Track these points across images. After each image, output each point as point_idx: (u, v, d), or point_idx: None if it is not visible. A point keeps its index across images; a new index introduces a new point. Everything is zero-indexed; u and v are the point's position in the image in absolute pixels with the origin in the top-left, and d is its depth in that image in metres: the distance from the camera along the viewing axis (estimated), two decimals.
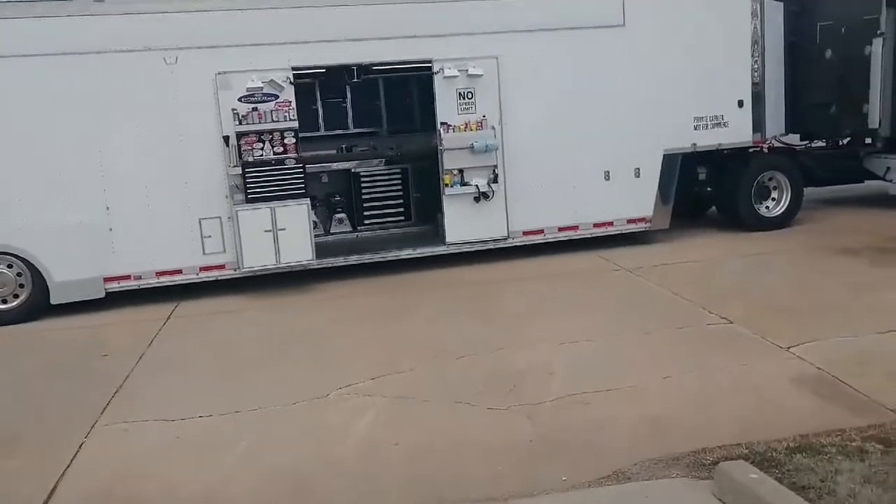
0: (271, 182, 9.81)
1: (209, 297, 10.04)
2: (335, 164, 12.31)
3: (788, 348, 6.80)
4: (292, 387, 6.66)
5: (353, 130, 12.90)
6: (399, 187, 12.45)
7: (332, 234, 12.29)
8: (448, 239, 10.82)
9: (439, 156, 10.62)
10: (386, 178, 12.40)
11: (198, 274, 10.04)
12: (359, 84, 12.69)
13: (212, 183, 9.87)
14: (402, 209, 12.45)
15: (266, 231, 9.80)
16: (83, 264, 9.60)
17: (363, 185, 12.33)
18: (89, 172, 9.53)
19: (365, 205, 12.34)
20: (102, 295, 9.73)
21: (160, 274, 9.92)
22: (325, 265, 10.49)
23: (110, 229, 9.69)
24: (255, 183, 9.74)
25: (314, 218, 12.02)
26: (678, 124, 11.42)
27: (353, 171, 12.30)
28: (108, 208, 9.66)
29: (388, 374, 6.80)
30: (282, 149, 9.97)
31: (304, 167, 9.99)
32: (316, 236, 11.82)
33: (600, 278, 9.87)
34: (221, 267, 10.05)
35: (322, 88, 12.65)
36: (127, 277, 9.83)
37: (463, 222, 10.78)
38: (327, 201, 12.42)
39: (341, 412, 6.10)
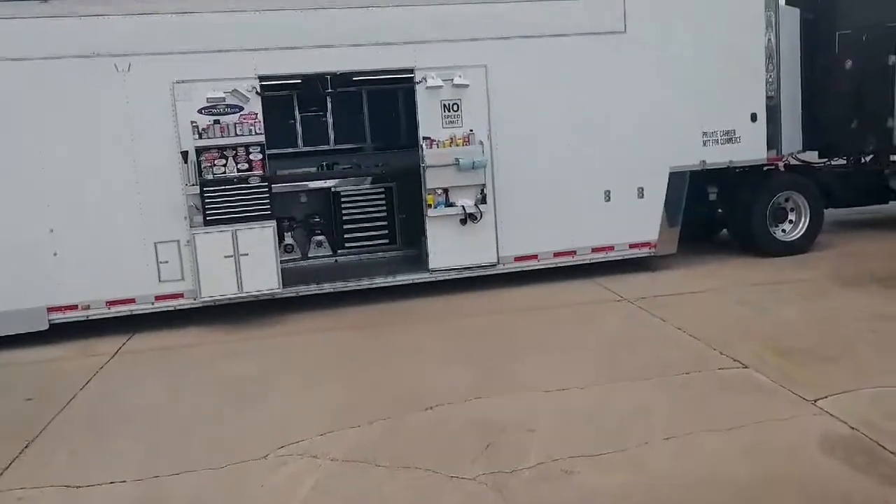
0: (233, 202, 8.85)
1: (167, 327, 9.06)
2: (313, 182, 11.33)
3: (815, 401, 5.76)
4: (228, 444, 5.67)
5: (334, 147, 11.98)
6: (383, 208, 11.47)
7: (310, 258, 11.34)
8: (432, 265, 9.82)
9: (422, 173, 9.65)
10: (368, 197, 11.43)
11: (153, 304, 9.07)
12: (340, 96, 11.86)
13: (169, 203, 8.92)
14: (385, 231, 11.48)
15: (227, 257, 8.83)
16: (22, 292, 8.65)
17: (343, 205, 11.36)
18: (30, 190, 8.60)
19: (346, 227, 11.37)
20: (45, 327, 8.77)
21: (111, 304, 8.96)
22: (293, 294, 9.51)
23: (55, 254, 8.74)
24: (215, 203, 8.79)
25: (290, 241, 11.19)
26: (685, 139, 10.43)
27: (333, 190, 11.34)
28: (51, 230, 8.71)
29: (341, 429, 5.79)
30: (246, 165, 9.02)
31: (269, 186, 9.02)
32: (292, 261, 11.02)
33: (598, 311, 8.84)
34: (179, 296, 9.08)
35: (300, 101, 11.76)
36: (73, 307, 8.86)
37: (448, 247, 9.79)
38: (306, 223, 11.47)
39: (275, 480, 5.09)
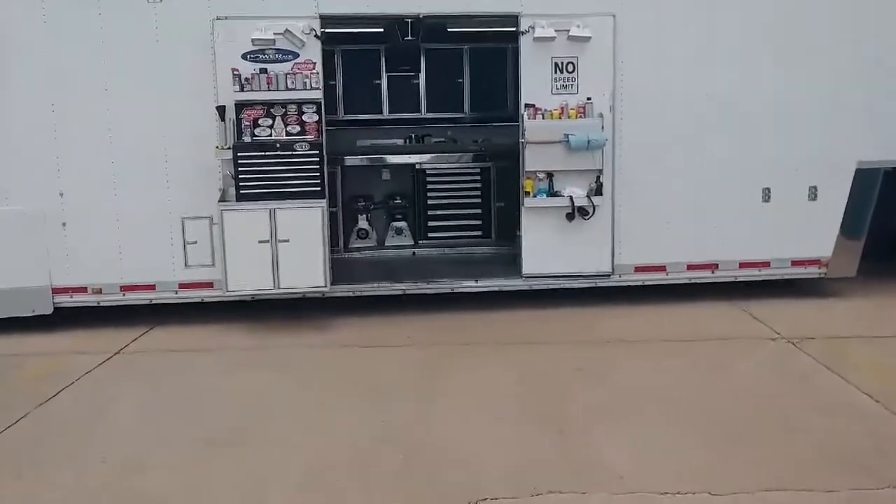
0: (274, 174, 6.98)
1: (193, 321, 7.37)
2: (397, 156, 9.37)
3: None
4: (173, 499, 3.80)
5: (425, 115, 9.95)
6: (477, 193, 9.40)
7: (388, 247, 9.41)
8: (526, 270, 7.64)
9: (520, 151, 7.48)
10: (460, 179, 9.39)
11: (176, 292, 7.37)
12: (436, 55, 9.84)
13: (201, 170, 7.18)
14: (478, 222, 9.39)
15: (261, 242, 6.97)
16: (24, 269, 7.15)
17: (430, 186, 9.36)
18: (38, 144, 7.06)
19: (430, 212, 9.37)
20: (50, 311, 7.24)
21: (126, 289, 7.32)
22: (348, 293, 7.58)
23: (63, 224, 7.18)
24: (250, 174, 6.94)
25: (365, 225, 9.31)
26: (882, 125, 7.72)
27: (419, 167, 9.34)
28: (61, 194, 7.16)
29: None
30: (298, 128, 7.15)
31: (322, 155, 7.08)
32: (366, 249, 9.16)
33: (744, 353, 6.43)
34: (208, 285, 7.34)
35: (388, 59, 9.81)
36: (82, 290, 7.29)
37: (548, 248, 7.58)
38: (386, 205, 9.55)
39: None
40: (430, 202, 9.36)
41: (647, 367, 6.09)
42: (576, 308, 7.61)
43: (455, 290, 7.70)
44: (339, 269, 7.95)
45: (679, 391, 5.56)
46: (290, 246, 6.99)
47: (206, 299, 7.39)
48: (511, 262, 8.12)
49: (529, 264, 7.63)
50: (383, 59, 9.79)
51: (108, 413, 5.40)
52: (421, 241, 9.40)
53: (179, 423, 5.20)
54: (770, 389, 5.59)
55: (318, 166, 7.02)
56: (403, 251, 9.30)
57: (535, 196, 7.46)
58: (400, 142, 9.98)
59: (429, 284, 7.69)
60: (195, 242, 7.28)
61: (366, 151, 9.54)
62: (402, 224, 9.51)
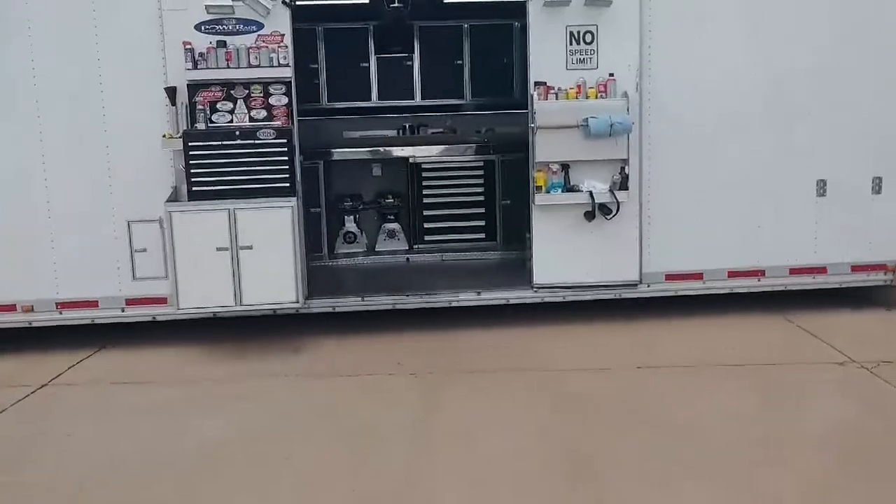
0: (233, 167, 5.80)
1: (145, 344, 6.23)
2: (389, 149, 8.20)
3: None
4: None
5: (421, 102, 8.76)
6: (480, 190, 8.22)
7: (378, 252, 8.23)
8: (537, 279, 6.45)
9: (530, 138, 6.28)
10: (461, 174, 8.20)
11: (123, 310, 6.20)
12: (432, 34, 8.67)
13: (149, 164, 6.01)
14: (481, 223, 8.21)
15: (220, 249, 5.79)
16: None
17: (427, 182, 8.19)
18: None
19: (427, 212, 8.19)
20: None
21: (64, 306, 6.16)
22: (328, 309, 6.40)
23: None
24: (205, 167, 5.77)
25: (353, 228, 8.15)
26: None
27: (413, 161, 8.16)
28: None
29: None
30: (264, 113, 5.98)
31: (290, 144, 5.89)
32: (353, 255, 8.00)
33: (806, 382, 5.23)
34: (161, 301, 6.16)
35: (378, 38, 8.63)
36: (10, 308, 6.12)
37: (564, 253, 6.40)
38: (376, 204, 8.38)
39: None
40: (426, 201, 8.19)
41: (701, 401, 4.90)
42: (597, 324, 6.42)
43: (454, 304, 6.51)
44: (322, 279, 6.84)
45: (733, 430, 4.36)
46: (254, 254, 5.82)
47: (158, 318, 6.22)
48: (519, 270, 6.95)
49: (541, 272, 6.44)
50: (371, 39, 8.60)
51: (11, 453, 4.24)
52: (416, 246, 8.23)
53: (105, 468, 4.03)
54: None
55: (286, 158, 5.83)
56: (396, 257, 8.12)
57: (547, 192, 6.27)
58: (392, 133, 8.81)
59: (423, 297, 6.50)
60: (144, 250, 6.11)
61: (353, 144, 8.39)
62: (395, 226, 8.34)
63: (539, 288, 6.46)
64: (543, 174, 6.25)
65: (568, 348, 5.95)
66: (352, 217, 8.29)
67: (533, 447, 4.30)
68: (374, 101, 8.67)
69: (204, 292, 5.81)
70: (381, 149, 8.20)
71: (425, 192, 8.19)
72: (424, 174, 8.18)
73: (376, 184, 8.48)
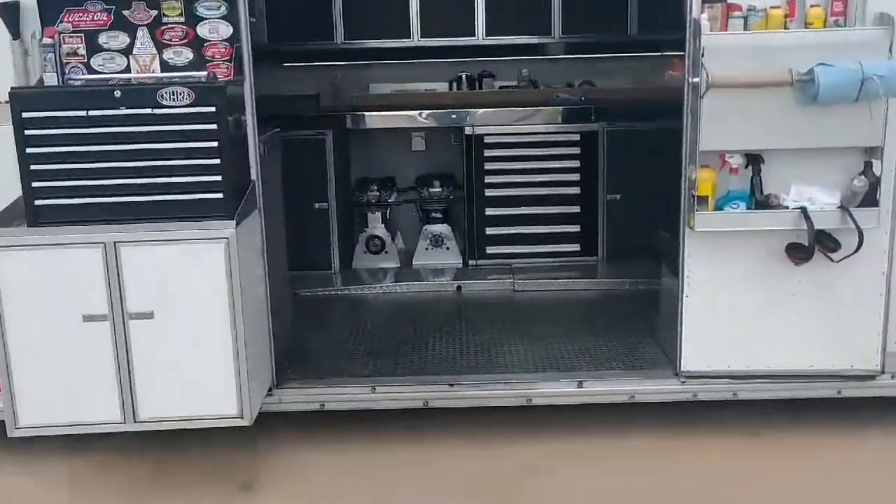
0: (113, 161, 2.98)
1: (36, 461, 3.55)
2: (435, 113, 5.39)
3: None
4: None
5: (483, 41, 5.75)
6: (574, 176, 5.38)
7: (418, 267, 5.48)
8: (688, 360, 3.52)
9: (685, 106, 3.28)
10: (543, 151, 5.35)
11: None
12: None
13: None
14: (576, 227, 5.36)
15: (89, 319, 3.02)
16: None
17: (491, 164, 5.39)
18: None
19: (490, 210, 5.38)
20: None
21: None
22: (299, 406, 3.61)
23: None
24: (54, 161, 2.96)
25: (380, 232, 5.52)
26: None
27: (469, 131, 5.28)
28: None
29: None
30: (190, 54, 3.17)
31: (223, 113, 3.00)
32: (381, 271, 5.43)
33: None
34: None
35: None
36: None
37: (743, 316, 3.46)
38: (416, 194, 5.62)
39: None
40: (490, 192, 5.41)
41: None
42: (790, 436, 3.51)
43: (533, 401, 3.64)
44: (312, 332, 4.14)
45: None
46: (156, 327, 3.03)
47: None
48: (641, 317, 4.11)
49: (697, 350, 3.52)
50: None
51: None
52: (474, 262, 5.42)
53: None
54: None
55: (214, 142, 2.97)
56: (442, 283, 5.29)
57: (718, 207, 3.31)
58: (441, 86, 5.92)
59: (479, 388, 3.65)
60: None
61: (383, 104, 5.58)
62: (443, 229, 5.61)
63: (691, 377, 3.55)
64: (711, 173, 3.28)
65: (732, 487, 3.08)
66: (378, 214, 5.56)
67: None
68: (415, 39, 5.67)
69: (60, 399, 3.07)
70: (424, 112, 5.35)
71: (490, 178, 5.40)
72: (488, 151, 5.36)
73: (416, 164, 5.85)
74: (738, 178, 3.30)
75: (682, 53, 3.27)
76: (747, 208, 3.29)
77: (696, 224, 3.30)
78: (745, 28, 3.19)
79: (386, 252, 5.56)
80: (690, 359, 3.52)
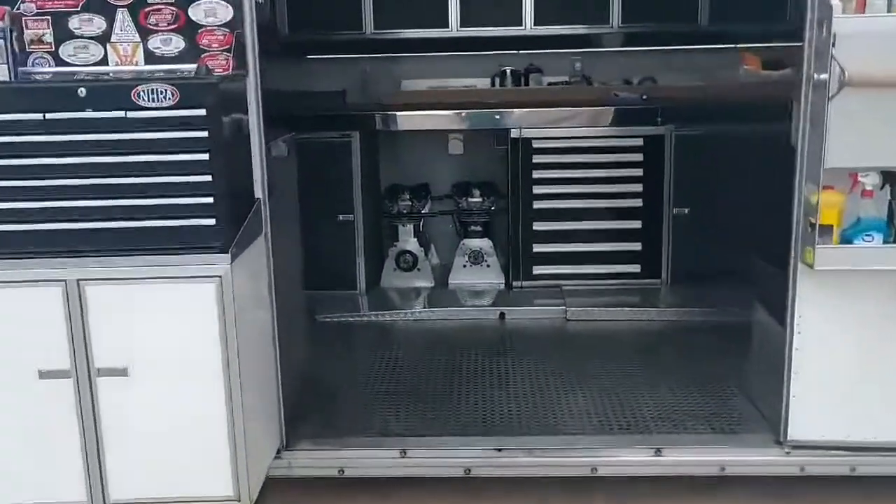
0: (79, 178, 2.35)
1: None
2: (473, 113, 4.73)
3: None
4: None
5: (531, 31, 5.06)
6: (636, 187, 4.71)
7: (453, 285, 4.82)
8: (796, 426, 2.83)
9: (802, 111, 2.57)
10: (600, 158, 4.70)
11: None
12: None
13: None
14: (637, 244, 4.68)
15: (46, 376, 2.39)
16: None
17: (539, 172, 4.71)
18: None
19: (538, 225, 4.71)
20: None
21: None
22: (313, 472, 2.96)
23: None
24: (5, 177, 2.34)
25: (412, 247, 4.87)
26: None
27: (516, 133, 4.62)
28: None
29: None
30: (181, 43, 2.53)
31: (217, 118, 2.35)
32: (412, 291, 4.85)
33: None
34: None
35: None
36: None
37: (868, 373, 2.75)
38: (454, 204, 5.00)
39: None
40: (538, 204, 4.71)
41: None
42: None
43: (599, 471, 2.95)
44: (336, 361, 3.55)
45: None
46: (131, 386, 2.40)
47: None
48: (725, 372, 3.42)
49: (808, 414, 2.82)
50: None
51: None
52: (518, 284, 4.76)
53: None
54: None
55: (205, 153, 2.32)
56: (481, 304, 4.65)
57: (846, 239, 2.60)
58: (483, 82, 5.25)
59: (530, 456, 2.97)
60: None
61: (417, 101, 4.93)
62: (484, 244, 4.97)
63: (799, 447, 2.85)
64: (839, 197, 2.57)
65: None
66: (410, 227, 4.93)
67: None
68: (454, 28, 5.02)
69: (8, 475, 2.45)
70: (463, 112, 4.68)
71: (537, 187, 4.73)
72: (537, 157, 4.69)
73: (454, 170, 5.21)
74: (872, 203, 2.59)
75: (794, 44, 2.58)
76: (885, 241, 2.58)
77: (816, 261, 2.59)
78: (890, 9, 2.48)
79: (418, 269, 4.95)
80: (799, 425, 2.82)
